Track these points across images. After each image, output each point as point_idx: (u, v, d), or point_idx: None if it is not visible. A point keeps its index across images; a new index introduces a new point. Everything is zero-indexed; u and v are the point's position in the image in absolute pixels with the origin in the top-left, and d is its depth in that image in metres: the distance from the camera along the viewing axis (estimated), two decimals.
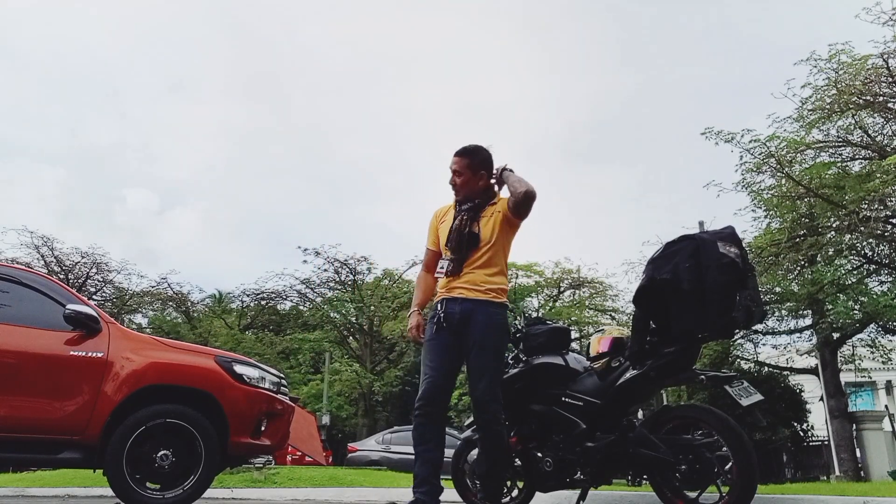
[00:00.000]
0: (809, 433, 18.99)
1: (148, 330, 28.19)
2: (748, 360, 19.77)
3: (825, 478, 17.23)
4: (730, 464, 2.94)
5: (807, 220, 14.90)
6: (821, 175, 14.24)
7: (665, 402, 17.87)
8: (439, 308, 3.33)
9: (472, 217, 3.36)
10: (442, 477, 3.27)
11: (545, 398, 3.63)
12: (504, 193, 3.44)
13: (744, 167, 15.01)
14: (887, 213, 13.79)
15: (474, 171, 3.43)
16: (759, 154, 14.64)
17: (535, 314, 21.79)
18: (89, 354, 4.03)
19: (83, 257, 24.80)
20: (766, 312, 15.26)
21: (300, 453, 15.52)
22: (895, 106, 13.78)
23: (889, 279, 15.77)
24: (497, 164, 3.46)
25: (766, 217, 15.88)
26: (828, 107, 13.75)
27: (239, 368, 4.35)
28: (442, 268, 3.38)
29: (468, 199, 3.44)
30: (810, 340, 18.20)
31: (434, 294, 3.54)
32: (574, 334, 21.03)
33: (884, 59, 13.16)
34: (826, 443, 18.20)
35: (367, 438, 17.60)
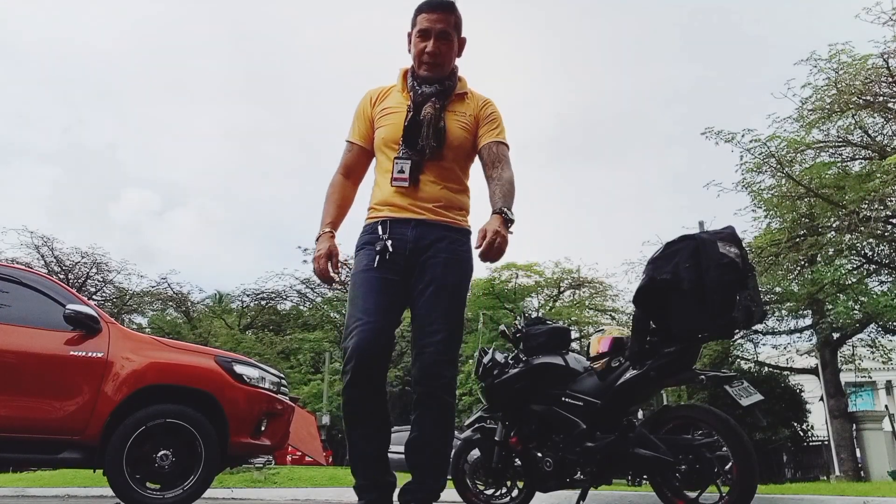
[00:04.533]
0: (809, 433, 18.99)
1: (148, 330, 28.18)
2: (748, 360, 19.77)
3: (825, 478, 17.24)
4: (730, 464, 2.94)
5: (807, 220, 14.91)
6: (821, 175, 14.25)
7: (665, 402, 17.88)
8: (381, 231, 2.44)
9: (442, 107, 2.49)
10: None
11: (545, 398, 3.63)
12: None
13: (744, 167, 15.05)
14: (887, 213, 13.79)
15: (459, 35, 2.57)
16: (760, 154, 14.66)
17: (535, 314, 21.78)
18: (89, 354, 4.03)
19: (83, 257, 24.82)
20: (766, 312, 15.24)
21: (300, 453, 15.52)
22: (895, 106, 13.79)
23: (889, 279, 15.77)
24: None
25: (766, 217, 15.89)
26: (828, 107, 13.76)
27: (239, 368, 4.35)
28: (402, 171, 2.44)
29: (435, 79, 2.51)
30: (810, 340, 18.21)
31: (367, 210, 2.60)
32: (574, 334, 21.05)
33: (884, 59, 13.17)
34: (826, 443, 18.20)
35: None
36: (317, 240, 2.51)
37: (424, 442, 2.39)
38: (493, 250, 2.23)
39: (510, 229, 2.31)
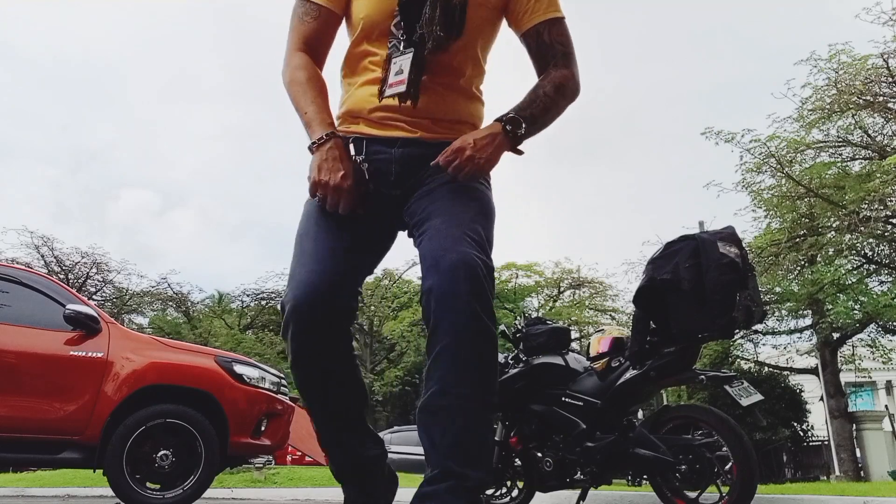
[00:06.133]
0: (809, 433, 19.01)
1: (148, 330, 28.18)
2: (748, 360, 19.78)
3: (825, 478, 17.24)
4: (730, 464, 2.94)
5: (807, 220, 14.93)
6: (821, 175, 14.28)
7: (665, 402, 17.90)
8: (353, 151, 1.67)
9: None
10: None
11: (545, 398, 3.63)
12: None
13: (744, 167, 15.09)
14: (887, 213, 13.81)
15: None
16: (759, 154, 14.69)
17: (535, 314, 21.80)
18: (89, 354, 4.03)
19: (83, 257, 24.79)
20: (766, 312, 15.23)
21: (300, 453, 15.52)
22: (895, 106, 13.80)
23: (889, 279, 15.78)
24: None
25: (766, 217, 15.93)
26: (828, 107, 13.77)
27: (239, 368, 4.36)
28: (401, 72, 1.61)
29: None
30: (810, 340, 18.22)
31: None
32: (574, 334, 21.07)
33: (884, 59, 13.18)
34: (826, 443, 18.22)
35: None
36: (317, 145, 1.57)
37: (452, 402, 1.42)
38: (455, 171, 1.54)
39: (517, 146, 1.60)
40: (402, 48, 1.62)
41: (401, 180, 1.65)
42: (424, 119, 1.67)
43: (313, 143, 1.59)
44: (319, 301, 1.53)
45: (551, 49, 1.71)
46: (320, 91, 1.69)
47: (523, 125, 1.58)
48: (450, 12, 1.61)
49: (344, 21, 1.78)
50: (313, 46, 1.73)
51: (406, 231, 1.72)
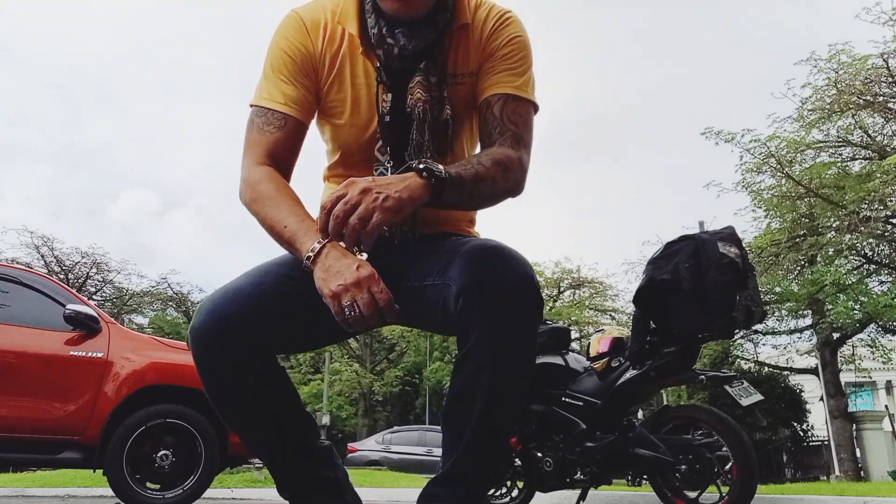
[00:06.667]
0: (809, 433, 19.04)
1: (148, 330, 28.19)
2: (748, 360, 19.80)
3: (825, 478, 17.25)
4: (730, 464, 2.95)
5: (807, 220, 14.95)
6: (821, 175, 14.29)
7: (665, 402, 17.90)
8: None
9: (442, 79, 1.40)
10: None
11: (545, 398, 3.64)
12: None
13: (744, 167, 15.12)
14: (887, 213, 13.82)
15: None
16: (759, 154, 14.73)
17: None
18: (89, 354, 4.03)
19: (83, 257, 24.80)
20: (766, 312, 15.22)
21: None
22: (895, 106, 13.80)
23: (889, 279, 15.79)
24: None
25: (766, 217, 15.96)
26: (828, 107, 13.80)
27: None
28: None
29: (418, 20, 1.36)
30: (810, 340, 18.23)
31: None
32: (574, 334, 21.06)
33: (884, 59, 13.20)
34: (826, 443, 18.24)
35: (367, 438, 17.63)
36: (314, 259, 1.21)
37: (478, 405, 1.27)
38: (346, 209, 1.16)
39: (437, 196, 1.23)
40: (386, 165, 1.42)
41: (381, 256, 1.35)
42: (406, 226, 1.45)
43: (308, 257, 1.24)
44: (226, 323, 1.29)
45: (500, 125, 1.38)
46: (295, 200, 1.37)
47: (441, 167, 1.24)
48: (440, 134, 1.40)
49: (319, 133, 1.57)
50: (278, 159, 1.44)
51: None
